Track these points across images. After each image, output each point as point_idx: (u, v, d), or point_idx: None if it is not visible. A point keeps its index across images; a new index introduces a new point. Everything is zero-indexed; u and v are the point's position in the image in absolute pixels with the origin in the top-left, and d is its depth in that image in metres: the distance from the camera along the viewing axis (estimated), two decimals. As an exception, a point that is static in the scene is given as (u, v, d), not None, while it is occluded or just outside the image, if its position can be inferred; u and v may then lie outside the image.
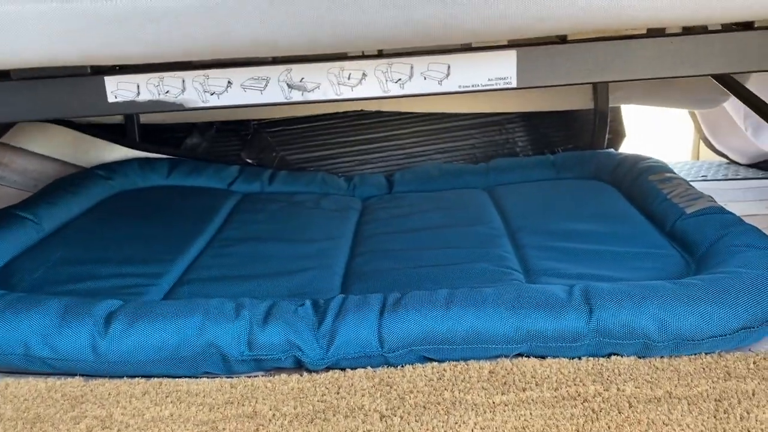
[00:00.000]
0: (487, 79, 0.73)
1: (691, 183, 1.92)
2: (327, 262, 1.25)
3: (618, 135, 1.94)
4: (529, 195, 1.55)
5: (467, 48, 0.73)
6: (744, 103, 1.43)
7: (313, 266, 1.23)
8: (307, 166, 1.89)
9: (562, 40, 0.71)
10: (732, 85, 1.43)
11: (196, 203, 1.58)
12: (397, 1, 0.58)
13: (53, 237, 1.34)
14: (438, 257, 1.22)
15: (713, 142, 2.22)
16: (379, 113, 1.90)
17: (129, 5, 0.57)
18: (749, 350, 0.92)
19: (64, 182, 1.56)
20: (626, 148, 2.08)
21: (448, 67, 0.73)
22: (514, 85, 0.73)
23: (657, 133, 2.75)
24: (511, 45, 0.72)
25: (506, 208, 1.48)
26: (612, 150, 1.81)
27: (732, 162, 2.14)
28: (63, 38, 0.61)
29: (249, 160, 1.90)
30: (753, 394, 0.80)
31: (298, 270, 1.21)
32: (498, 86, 0.73)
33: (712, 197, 1.26)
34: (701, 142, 2.35)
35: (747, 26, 0.71)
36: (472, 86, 0.74)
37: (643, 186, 1.40)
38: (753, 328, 0.89)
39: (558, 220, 1.35)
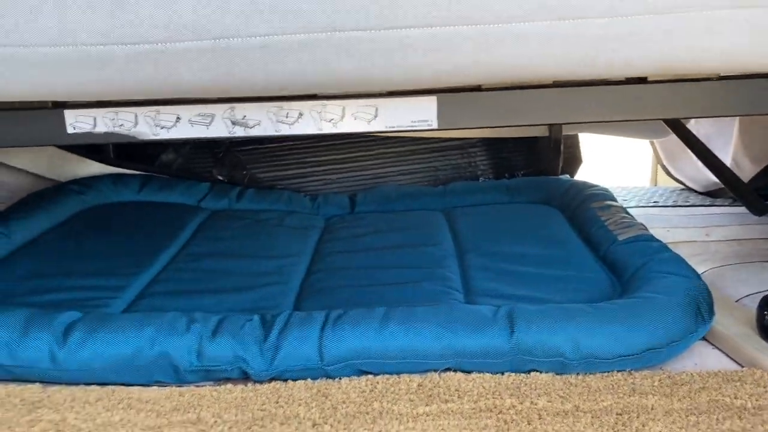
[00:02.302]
0: (410, 121, 0.82)
1: (644, 208, 2.03)
2: (284, 279, 1.32)
3: (575, 160, 2.04)
4: (481, 218, 1.64)
5: (393, 93, 0.82)
6: (683, 141, 1.52)
7: (270, 282, 1.30)
8: (276, 185, 1.96)
9: (478, 88, 0.80)
10: (672, 123, 1.52)
11: (165, 219, 1.65)
12: (321, 57, 0.66)
13: (23, 250, 1.40)
14: (387, 276, 1.30)
15: (670, 170, 2.32)
16: (346, 135, 1.98)
17: (77, 52, 0.64)
18: (660, 369, 1.00)
19: (37, 196, 1.62)
20: (588, 172, 2.17)
21: (376, 109, 0.81)
22: (435, 127, 0.81)
23: (620, 158, 2.87)
24: (433, 91, 0.81)
25: (459, 229, 1.56)
26: (566, 176, 1.90)
27: (687, 189, 2.23)
28: (25, 80, 0.69)
29: (220, 177, 1.98)
30: (651, 409, 0.89)
31: (256, 286, 1.28)
32: (420, 128, 0.81)
33: (644, 225, 1.35)
34: (659, 168, 2.45)
35: (641, 80, 0.80)
36: (398, 127, 0.82)
37: (585, 212, 1.49)
38: (658, 348, 0.97)
39: (503, 242, 1.43)
